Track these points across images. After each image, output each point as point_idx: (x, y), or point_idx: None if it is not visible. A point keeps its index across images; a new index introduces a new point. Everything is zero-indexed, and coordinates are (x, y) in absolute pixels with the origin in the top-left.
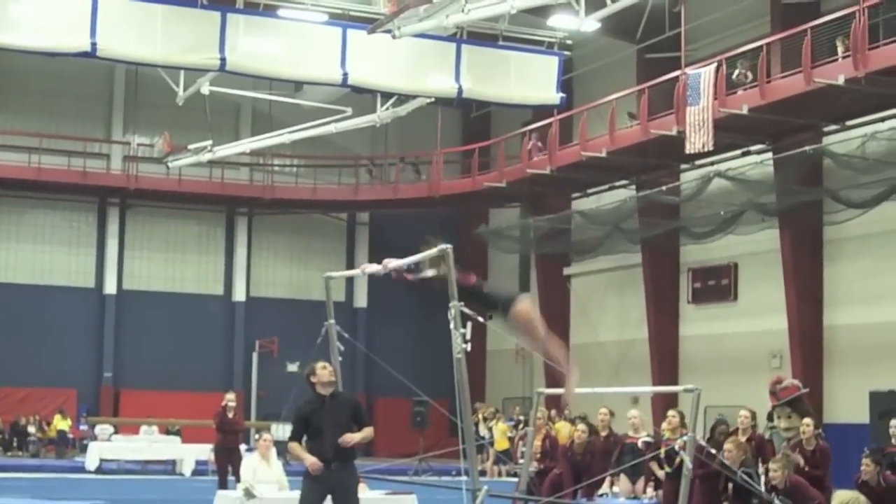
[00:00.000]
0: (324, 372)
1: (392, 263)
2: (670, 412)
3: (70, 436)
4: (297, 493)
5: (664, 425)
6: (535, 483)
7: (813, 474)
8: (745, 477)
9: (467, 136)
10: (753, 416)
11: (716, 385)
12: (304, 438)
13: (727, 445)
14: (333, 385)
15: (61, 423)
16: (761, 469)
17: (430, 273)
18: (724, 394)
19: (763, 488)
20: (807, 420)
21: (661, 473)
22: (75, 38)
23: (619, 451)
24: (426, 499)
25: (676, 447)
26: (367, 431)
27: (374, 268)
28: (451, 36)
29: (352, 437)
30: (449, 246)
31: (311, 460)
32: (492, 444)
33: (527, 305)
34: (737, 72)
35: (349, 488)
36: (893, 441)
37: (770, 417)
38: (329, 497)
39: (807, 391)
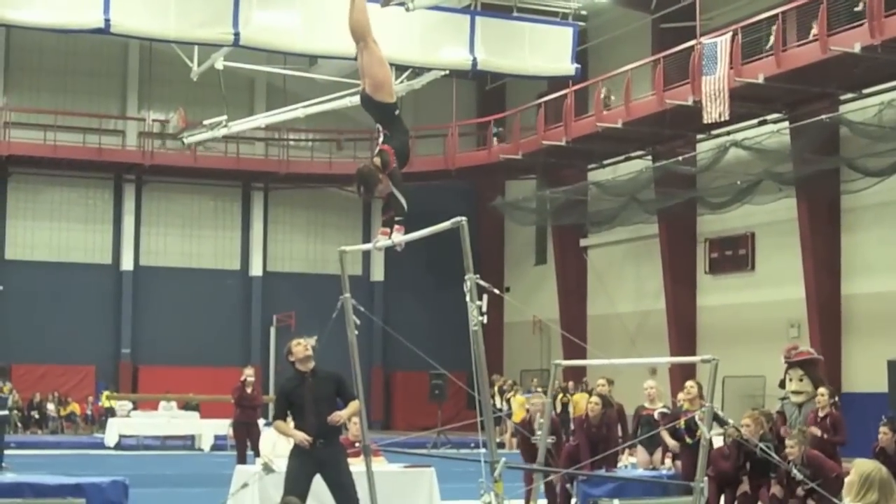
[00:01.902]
0: (298, 348)
1: (398, 238)
2: (688, 383)
3: (89, 412)
4: None
5: (681, 395)
6: (551, 455)
7: (834, 441)
8: (765, 449)
9: (482, 109)
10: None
11: (734, 355)
12: (290, 417)
13: (745, 420)
14: (311, 360)
15: (72, 407)
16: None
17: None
18: (742, 364)
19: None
20: (822, 389)
21: (672, 444)
22: (89, 14)
23: (637, 422)
24: (444, 471)
25: (697, 418)
26: (354, 406)
27: (385, 241)
28: (464, 8)
29: (340, 416)
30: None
31: (300, 436)
32: (510, 416)
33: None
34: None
35: (339, 464)
36: None
37: (782, 385)
38: (319, 475)
39: (821, 359)
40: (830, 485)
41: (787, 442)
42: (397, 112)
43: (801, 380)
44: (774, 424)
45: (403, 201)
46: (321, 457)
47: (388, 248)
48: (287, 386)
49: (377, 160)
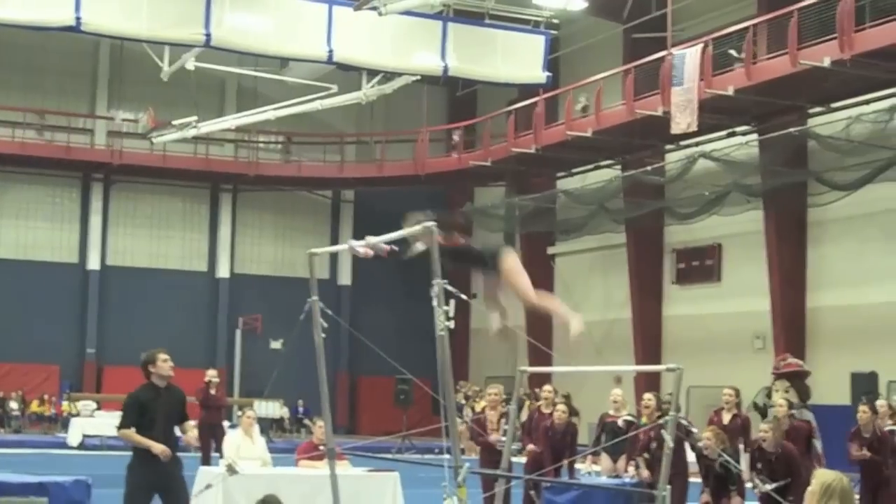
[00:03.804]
0: (164, 364)
1: (378, 244)
2: (646, 395)
3: (52, 412)
4: (281, 470)
5: (642, 409)
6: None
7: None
8: (723, 462)
9: (453, 115)
10: (737, 393)
11: (699, 365)
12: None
13: (706, 434)
14: (170, 379)
15: (38, 408)
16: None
17: (420, 247)
18: (707, 374)
19: (747, 465)
20: (780, 400)
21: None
22: (60, 12)
23: (600, 430)
24: (409, 476)
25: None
26: (192, 427)
27: (361, 249)
28: (437, 13)
29: (195, 437)
30: (433, 223)
31: (160, 447)
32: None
33: (512, 260)
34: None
35: (179, 483)
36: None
37: (770, 395)
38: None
39: (809, 371)
40: (798, 483)
41: (761, 426)
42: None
43: (786, 391)
44: (747, 428)
45: (414, 253)
46: (165, 474)
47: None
48: (142, 396)
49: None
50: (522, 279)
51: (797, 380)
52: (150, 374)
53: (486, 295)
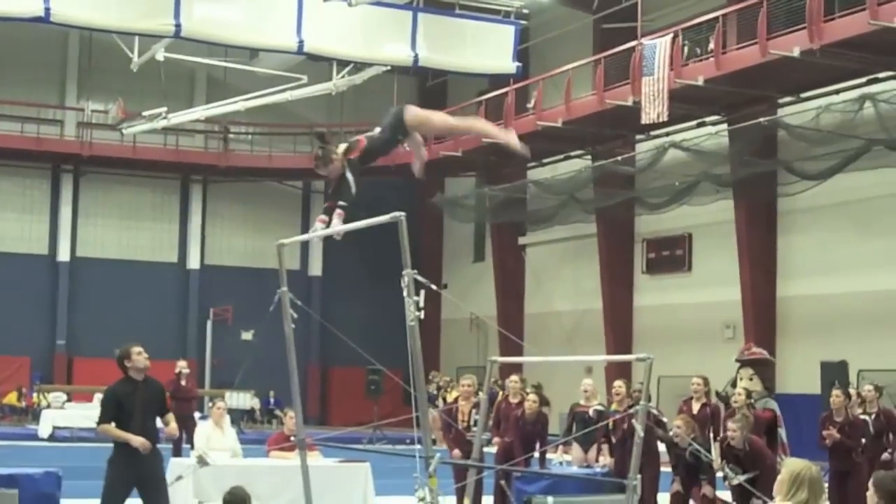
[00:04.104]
0: (139, 357)
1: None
2: (616, 382)
3: (23, 404)
4: (252, 461)
5: (613, 397)
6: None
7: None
8: (693, 451)
9: (423, 105)
10: (706, 382)
11: (669, 355)
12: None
13: (676, 422)
14: (146, 371)
15: (12, 398)
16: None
17: (351, 181)
18: (677, 364)
19: (717, 455)
20: (738, 389)
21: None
22: (29, 3)
23: (571, 419)
24: (380, 467)
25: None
26: (172, 419)
27: (324, 230)
28: (407, 4)
29: (175, 429)
30: (324, 148)
31: (140, 440)
32: (442, 408)
33: (414, 111)
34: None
35: (159, 476)
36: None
37: (734, 384)
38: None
39: (773, 360)
40: (766, 475)
41: (730, 425)
42: (400, 139)
43: (751, 379)
44: (716, 417)
45: (353, 188)
46: (144, 467)
47: (327, 243)
48: (119, 391)
49: (343, 145)
50: (437, 117)
51: (761, 367)
52: (127, 369)
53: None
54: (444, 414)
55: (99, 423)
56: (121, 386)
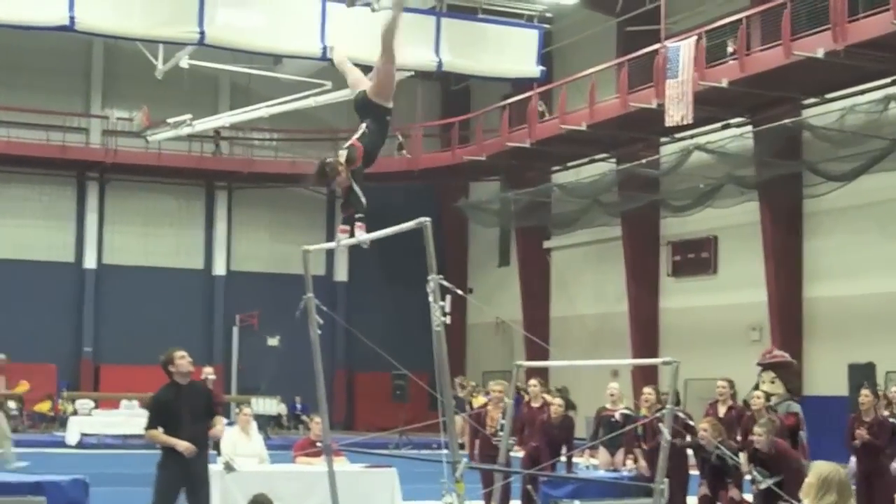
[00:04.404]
0: (182, 362)
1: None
2: (646, 389)
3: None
4: (279, 467)
5: (642, 403)
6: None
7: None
8: (720, 454)
9: (447, 110)
10: (731, 384)
11: (695, 358)
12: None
13: (702, 425)
14: (191, 375)
15: (44, 407)
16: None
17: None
18: (703, 367)
19: (744, 458)
20: (757, 392)
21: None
22: (54, 11)
23: (597, 423)
24: (406, 472)
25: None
26: (221, 422)
27: (349, 239)
28: (430, 9)
29: (220, 431)
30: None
31: (185, 444)
32: (469, 413)
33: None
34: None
35: (205, 478)
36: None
37: (757, 388)
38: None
39: (794, 362)
40: (792, 478)
41: (756, 430)
42: (388, 118)
43: (772, 382)
44: (742, 419)
45: (363, 199)
46: (192, 469)
47: (352, 248)
48: (164, 396)
49: (343, 154)
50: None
51: (783, 370)
52: (171, 374)
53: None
54: (471, 419)
55: (146, 428)
56: (166, 391)
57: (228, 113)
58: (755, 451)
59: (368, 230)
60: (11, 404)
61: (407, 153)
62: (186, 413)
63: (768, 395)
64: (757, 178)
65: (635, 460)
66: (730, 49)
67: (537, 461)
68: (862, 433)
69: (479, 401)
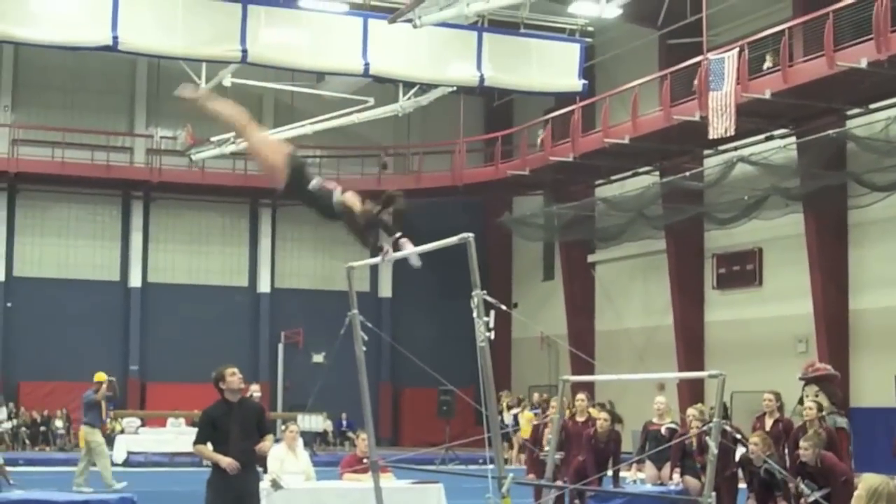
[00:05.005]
0: (233, 379)
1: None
2: (689, 411)
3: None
4: (325, 484)
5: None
6: (558, 470)
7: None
8: (768, 469)
9: (490, 125)
10: (778, 397)
11: (742, 371)
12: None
13: (753, 439)
14: (242, 392)
15: None
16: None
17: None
18: (750, 379)
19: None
20: (809, 403)
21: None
22: (96, 31)
23: (644, 437)
24: (452, 487)
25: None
26: (270, 439)
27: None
28: (472, 24)
29: (267, 447)
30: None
31: (227, 461)
32: (517, 431)
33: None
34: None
35: (254, 495)
36: None
37: (801, 402)
38: None
39: (837, 375)
40: (839, 491)
41: (802, 444)
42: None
43: (816, 396)
44: (790, 431)
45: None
46: (241, 485)
47: (396, 264)
48: (214, 412)
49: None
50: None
51: (826, 384)
52: (222, 391)
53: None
54: (528, 442)
55: (195, 443)
56: (216, 408)
57: (272, 130)
58: (802, 464)
59: (415, 244)
60: (59, 423)
61: (387, 169)
62: (236, 430)
63: (821, 406)
64: (801, 190)
65: (682, 475)
66: (767, 64)
67: (584, 476)
68: None
69: (526, 416)
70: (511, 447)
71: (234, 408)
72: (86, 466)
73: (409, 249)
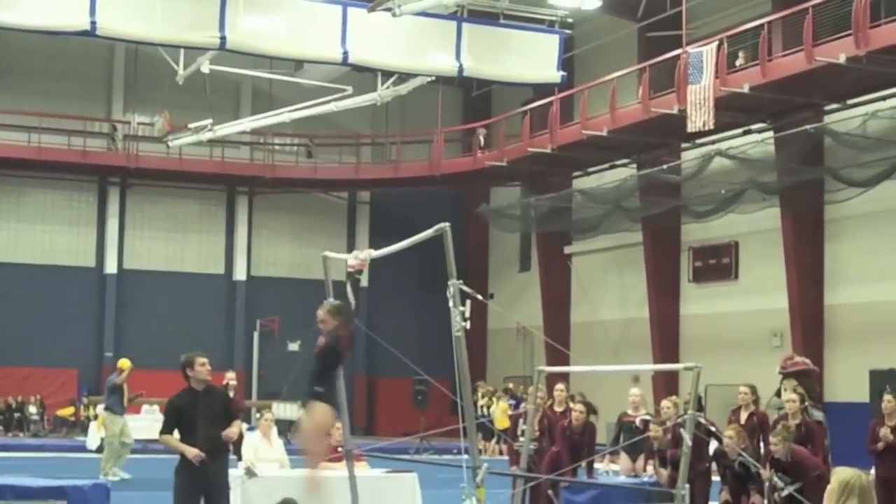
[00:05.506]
0: (202, 368)
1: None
2: (663, 404)
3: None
4: (299, 472)
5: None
6: (533, 461)
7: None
8: (742, 462)
9: (468, 115)
10: (754, 390)
11: (716, 364)
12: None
13: (728, 432)
14: (207, 382)
15: (66, 412)
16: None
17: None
18: (724, 373)
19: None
20: (792, 396)
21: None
22: (75, 16)
23: (618, 429)
24: (427, 477)
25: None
26: (238, 425)
27: (353, 261)
28: (451, 14)
29: (233, 433)
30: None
31: (193, 452)
32: (492, 422)
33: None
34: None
35: (223, 484)
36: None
37: (778, 395)
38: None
39: (815, 369)
40: (812, 485)
41: (771, 439)
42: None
43: (795, 390)
44: (765, 425)
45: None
46: (209, 474)
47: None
48: (179, 402)
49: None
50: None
51: (805, 378)
52: (189, 378)
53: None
54: (504, 434)
55: (161, 432)
56: (181, 397)
57: (250, 118)
58: (774, 459)
59: (392, 234)
60: (32, 409)
61: (315, 159)
62: (202, 419)
63: (803, 398)
64: (778, 184)
65: (655, 467)
66: (739, 61)
67: (558, 466)
68: (886, 432)
69: (500, 406)
70: (486, 437)
71: (200, 396)
72: (112, 452)
73: (385, 250)
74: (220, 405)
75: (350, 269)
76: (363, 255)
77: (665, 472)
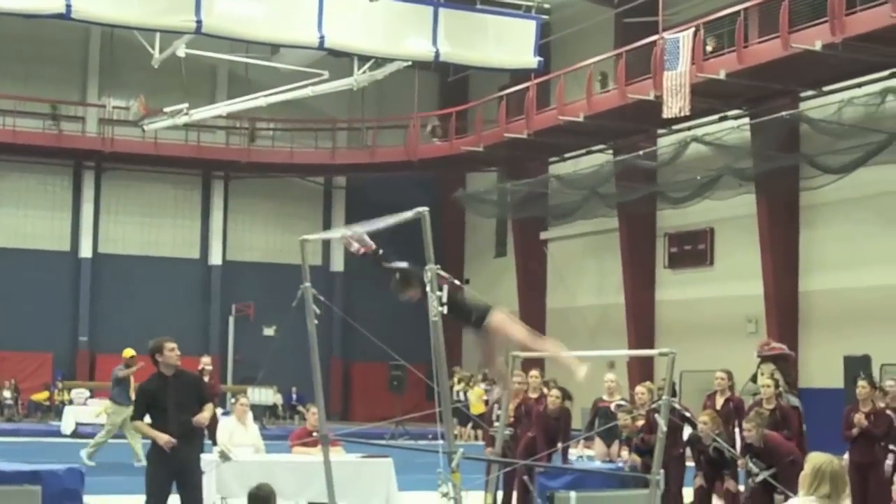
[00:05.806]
0: (171, 354)
1: (363, 237)
2: (638, 389)
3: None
4: (275, 457)
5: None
6: (509, 447)
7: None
8: (717, 447)
9: (445, 100)
10: (730, 376)
11: (692, 349)
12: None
13: (702, 417)
14: (177, 368)
15: (41, 397)
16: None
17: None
18: (699, 358)
19: (739, 450)
20: (767, 381)
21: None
22: None
23: (594, 414)
24: (403, 462)
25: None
26: (209, 409)
27: (356, 245)
28: None
29: (204, 418)
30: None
31: (164, 438)
32: (467, 407)
33: (499, 318)
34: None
35: (194, 469)
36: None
37: (754, 380)
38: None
39: (792, 354)
40: (785, 469)
41: (745, 425)
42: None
43: (772, 375)
44: (740, 411)
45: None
46: (181, 459)
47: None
48: (149, 387)
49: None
50: (515, 329)
51: (782, 362)
52: (158, 363)
53: (481, 351)
54: (478, 419)
55: (131, 419)
56: (151, 382)
57: (226, 102)
58: (748, 445)
59: (368, 219)
60: (7, 393)
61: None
62: (173, 404)
63: (777, 383)
64: (754, 171)
65: (629, 452)
66: (709, 48)
67: (534, 452)
68: (861, 418)
69: (476, 392)
70: (464, 423)
71: (170, 381)
72: (133, 441)
73: (363, 228)
74: (191, 390)
75: (361, 255)
76: (355, 236)
77: (638, 458)
